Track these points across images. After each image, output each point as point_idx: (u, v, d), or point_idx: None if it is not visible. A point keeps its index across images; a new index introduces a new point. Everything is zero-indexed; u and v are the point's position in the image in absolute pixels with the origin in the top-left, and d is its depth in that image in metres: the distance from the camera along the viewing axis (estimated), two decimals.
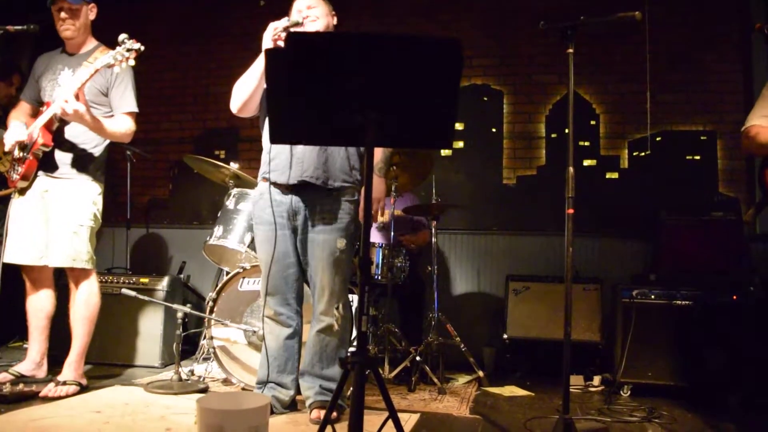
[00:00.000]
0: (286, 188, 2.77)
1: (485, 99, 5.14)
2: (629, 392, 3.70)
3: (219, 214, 3.87)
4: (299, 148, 2.73)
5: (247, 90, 2.75)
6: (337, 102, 1.92)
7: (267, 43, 2.64)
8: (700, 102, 4.85)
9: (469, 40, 5.14)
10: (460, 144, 5.13)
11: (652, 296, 3.76)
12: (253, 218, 2.89)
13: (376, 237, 4.34)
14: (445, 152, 5.08)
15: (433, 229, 4.03)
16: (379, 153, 2.99)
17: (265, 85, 2.60)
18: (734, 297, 3.68)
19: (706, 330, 3.64)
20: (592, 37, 4.88)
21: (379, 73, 1.86)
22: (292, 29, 2.65)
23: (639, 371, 3.69)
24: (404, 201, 4.39)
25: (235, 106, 2.81)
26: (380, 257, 3.79)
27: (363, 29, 5.29)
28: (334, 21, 2.94)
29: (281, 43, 2.59)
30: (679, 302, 3.73)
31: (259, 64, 2.71)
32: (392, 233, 3.94)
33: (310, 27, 2.79)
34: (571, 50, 2.51)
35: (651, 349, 3.69)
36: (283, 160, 2.74)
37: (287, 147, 2.73)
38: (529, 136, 5.07)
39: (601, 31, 4.88)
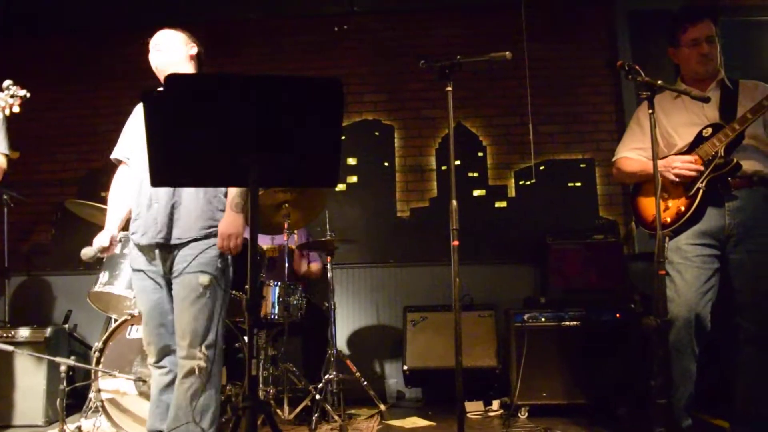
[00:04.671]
0: (147, 247, 2.69)
1: (377, 134, 5.24)
2: (527, 414, 3.81)
3: (104, 260, 3.70)
4: (154, 207, 2.65)
5: None
6: (219, 143, 1.90)
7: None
8: (578, 132, 5.17)
9: (359, 77, 5.26)
10: (353, 178, 5.19)
11: (543, 319, 3.91)
12: (131, 267, 2.78)
13: (269, 276, 4.27)
14: (339, 187, 5.13)
15: (329, 265, 4.03)
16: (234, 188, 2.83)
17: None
18: (617, 315, 3.89)
19: (594, 348, 3.82)
20: (477, 72, 5.11)
21: (260, 113, 1.86)
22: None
23: (534, 392, 3.82)
24: (297, 237, 4.37)
25: None
26: (275, 296, 3.74)
27: (254, 67, 5.28)
28: (192, 50, 2.83)
29: None
30: (567, 323, 3.89)
31: None
32: (286, 270, 3.90)
33: (155, 58, 2.77)
34: (449, 88, 2.61)
35: (544, 370, 3.83)
36: (141, 221, 2.68)
37: (145, 206, 2.67)
38: (420, 169, 5.20)
39: (484, 67, 5.11)
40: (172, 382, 2.69)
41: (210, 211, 2.68)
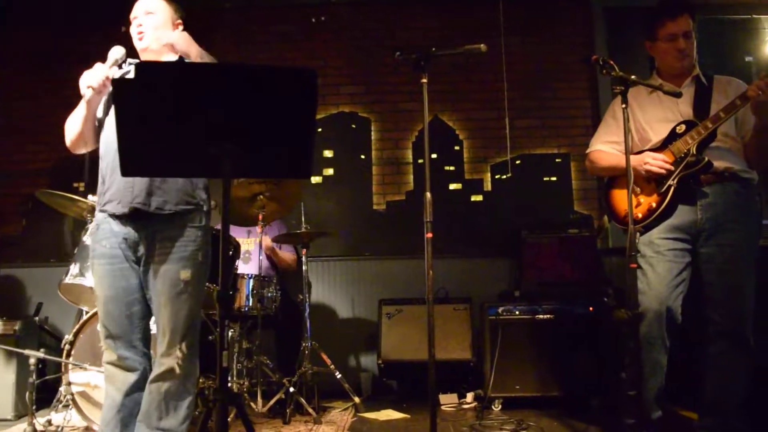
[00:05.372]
0: (122, 218, 2.44)
1: (353, 126, 5.22)
2: (500, 406, 3.84)
3: (75, 251, 3.64)
4: None
5: (75, 126, 2.51)
6: (191, 133, 1.88)
7: (87, 87, 2.45)
8: (553, 127, 5.20)
9: (336, 69, 5.24)
10: (330, 171, 5.17)
11: (517, 312, 3.94)
12: (91, 252, 2.51)
13: (243, 268, 4.25)
14: (315, 179, 5.11)
15: (304, 258, 4.02)
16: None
17: (91, 119, 2.50)
18: (590, 308, 3.93)
19: (567, 341, 3.86)
20: (455, 66, 5.12)
21: (233, 103, 1.83)
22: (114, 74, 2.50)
23: (508, 385, 3.85)
24: (273, 230, 4.35)
25: (68, 142, 2.55)
26: (249, 288, 3.71)
27: (229, 57, 5.22)
28: (177, 31, 2.60)
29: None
30: (541, 316, 3.93)
31: (83, 103, 2.50)
32: (260, 263, 3.87)
33: (138, 43, 2.60)
34: (424, 80, 2.61)
35: (518, 362, 3.86)
36: (114, 189, 2.43)
37: (119, 174, 2.32)
38: (397, 161, 5.19)
39: (461, 61, 5.12)
40: (138, 382, 2.45)
41: (190, 184, 2.47)
